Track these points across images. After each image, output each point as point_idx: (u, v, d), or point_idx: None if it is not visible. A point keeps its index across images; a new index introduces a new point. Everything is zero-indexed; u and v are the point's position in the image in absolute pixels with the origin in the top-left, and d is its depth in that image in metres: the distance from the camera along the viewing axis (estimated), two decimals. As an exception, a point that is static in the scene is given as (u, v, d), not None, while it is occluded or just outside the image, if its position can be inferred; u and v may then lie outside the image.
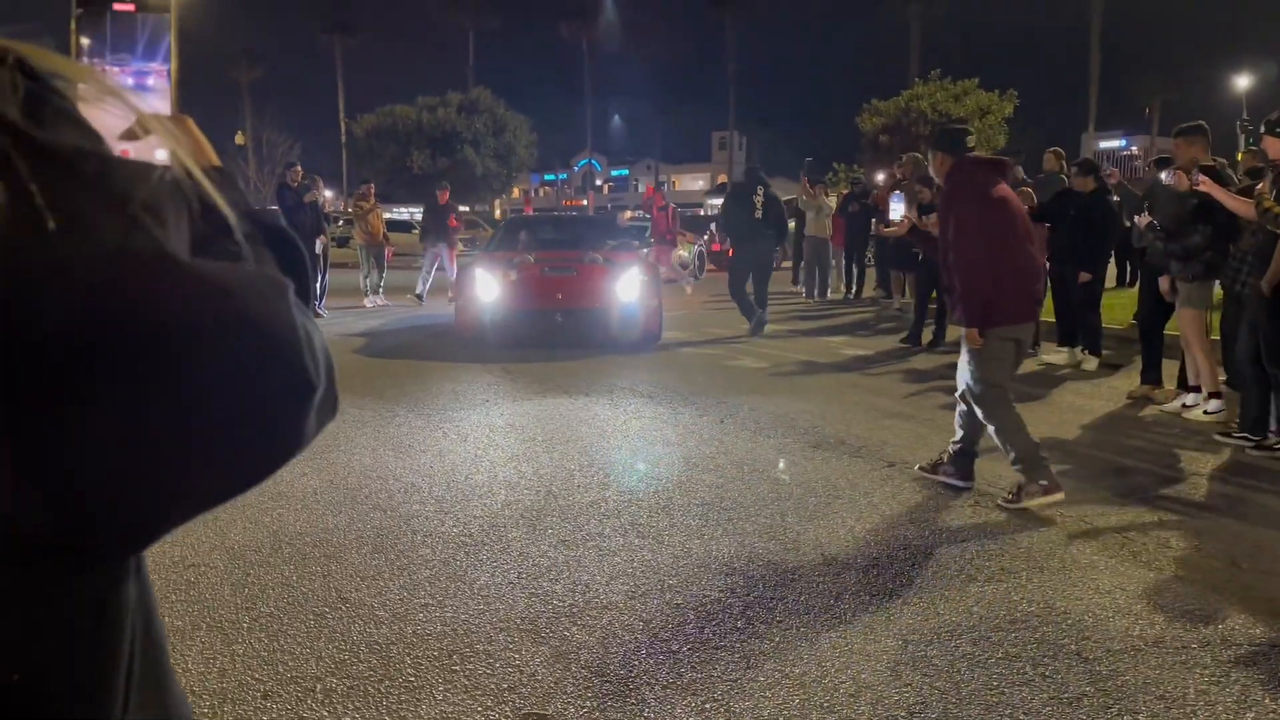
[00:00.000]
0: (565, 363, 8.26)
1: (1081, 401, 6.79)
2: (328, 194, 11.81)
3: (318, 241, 11.40)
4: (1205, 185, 5.74)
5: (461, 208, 40.63)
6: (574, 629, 3.03)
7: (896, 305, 12.21)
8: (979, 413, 4.39)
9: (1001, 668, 2.79)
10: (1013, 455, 4.29)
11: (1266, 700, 2.60)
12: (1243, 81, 45.21)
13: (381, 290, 13.52)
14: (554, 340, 9.00)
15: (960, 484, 4.54)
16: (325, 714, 2.51)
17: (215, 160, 0.88)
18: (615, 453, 5.22)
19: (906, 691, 2.65)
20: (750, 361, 8.57)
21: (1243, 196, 5.47)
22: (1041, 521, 4.10)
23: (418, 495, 4.41)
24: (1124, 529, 4.02)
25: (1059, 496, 4.19)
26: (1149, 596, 3.32)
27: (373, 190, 13.29)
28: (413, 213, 36.21)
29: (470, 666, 2.77)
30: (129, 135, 0.91)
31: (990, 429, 4.38)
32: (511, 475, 4.77)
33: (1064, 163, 10.36)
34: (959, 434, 4.55)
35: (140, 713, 0.68)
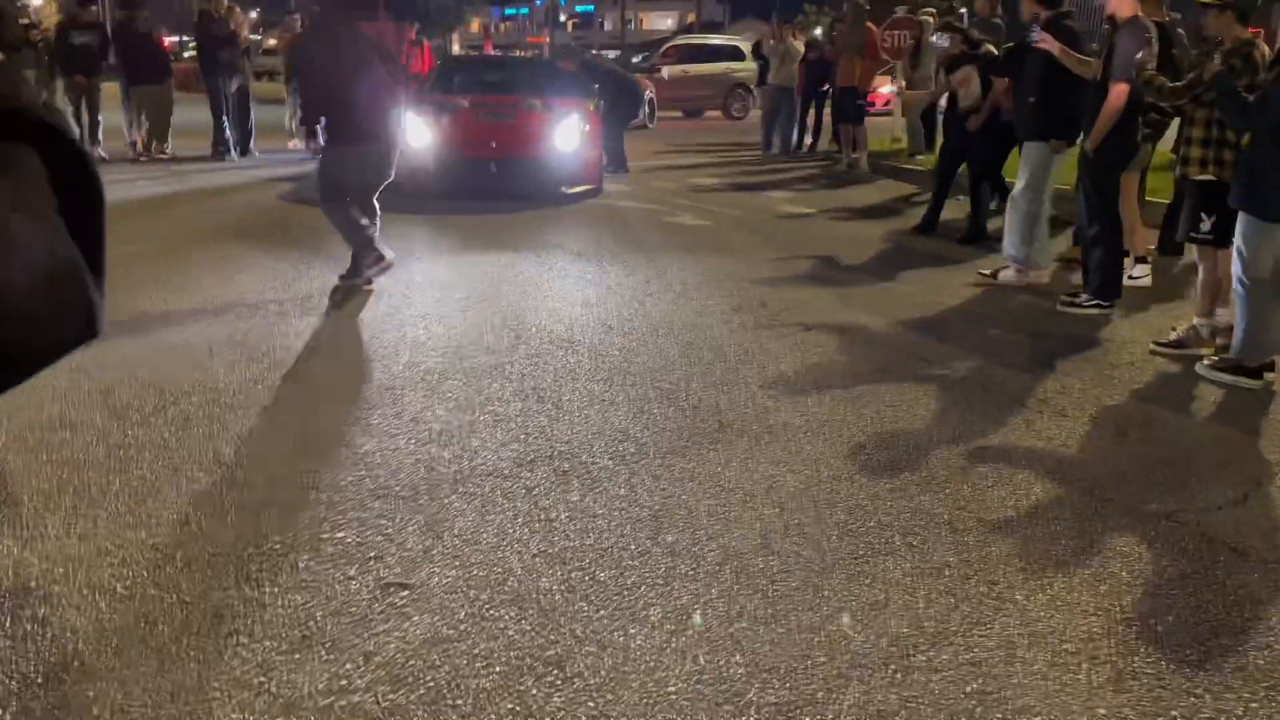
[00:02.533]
0: (498, 215, 8.04)
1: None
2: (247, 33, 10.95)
3: (234, 80, 10.81)
4: (1044, 42, 5.44)
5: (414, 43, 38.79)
6: (453, 497, 3.00)
7: (846, 161, 11.97)
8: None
9: (871, 537, 2.82)
10: (352, 248, 5.34)
11: (1123, 574, 2.66)
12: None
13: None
14: (488, 191, 8.72)
15: (383, 266, 5.42)
16: (181, 581, 2.48)
17: None
18: (532, 314, 5.12)
19: (772, 560, 2.67)
20: (689, 219, 8.39)
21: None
22: (944, 390, 4.11)
23: (318, 355, 4.31)
24: (1022, 396, 4.04)
25: (387, 263, 5.40)
26: (1032, 466, 3.36)
27: (298, 22, 12.36)
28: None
29: (340, 535, 2.74)
30: None
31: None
32: (420, 335, 4.67)
33: (998, 5, 9.92)
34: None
35: None
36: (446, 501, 2.97)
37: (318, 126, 5.31)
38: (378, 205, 5.48)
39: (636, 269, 6.25)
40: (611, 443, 3.46)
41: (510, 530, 2.80)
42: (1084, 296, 5.38)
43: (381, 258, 5.41)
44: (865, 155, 11.75)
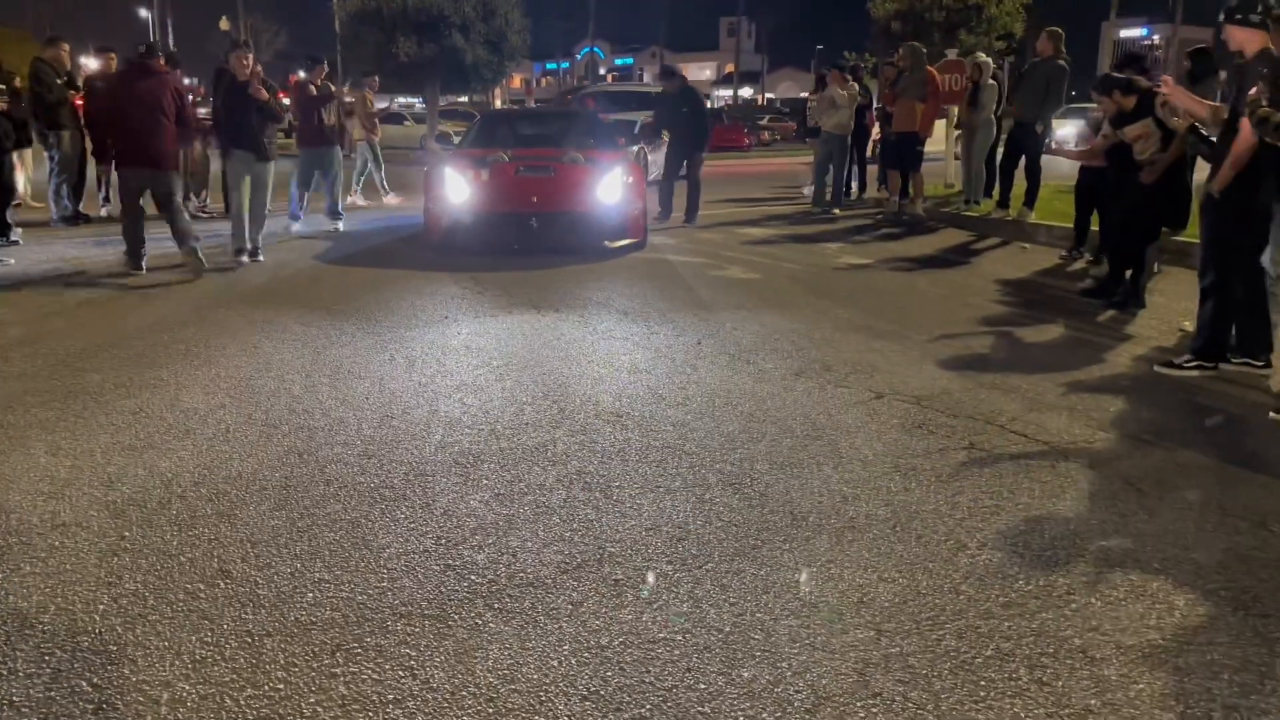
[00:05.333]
0: (540, 271, 7.69)
1: (1121, 327, 6.25)
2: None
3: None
4: (1168, 88, 5.07)
5: (460, 99, 38.96)
6: (488, 614, 2.57)
7: (896, 208, 11.51)
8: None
9: (991, 670, 2.33)
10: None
11: (1311, 721, 2.14)
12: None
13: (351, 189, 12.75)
14: (529, 246, 8.40)
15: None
16: (165, 736, 2.07)
17: None
18: (575, 383, 4.71)
19: (875, 705, 2.19)
20: (739, 271, 7.98)
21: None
22: (1042, 471, 3.61)
23: (343, 434, 3.92)
24: (1135, 477, 3.53)
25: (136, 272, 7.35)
26: (1166, 570, 2.85)
27: (376, 81, 12.37)
28: (402, 103, 34.76)
29: (354, 669, 2.31)
30: None
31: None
32: (454, 409, 4.27)
33: (1061, 46, 9.46)
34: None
35: None
36: (480, 622, 2.53)
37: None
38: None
39: (687, 329, 5.83)
40: (669, 541, 3.01)
41: (554, 662, 2.36)
42: (1185, 357, 4.85)
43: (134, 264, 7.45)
44: (921, 201, 11.31)
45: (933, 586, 2.73)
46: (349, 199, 12.44)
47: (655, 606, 2.62)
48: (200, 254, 7.38)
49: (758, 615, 2.57)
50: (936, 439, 3.93)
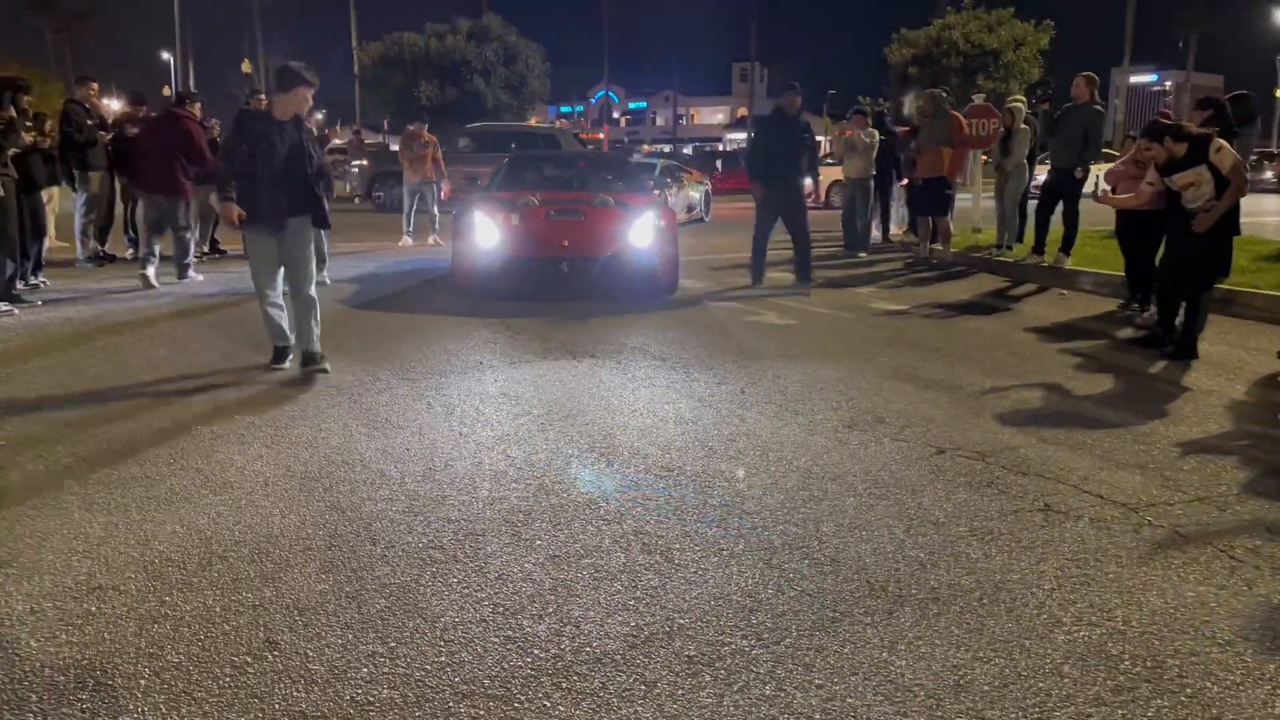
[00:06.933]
0: (572, 318, 7.56)
1: (1178, 378, 6.05)
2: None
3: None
4: None
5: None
6: (556, 694, 2.38)
7: (925, 252, 11.38)
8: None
9: (1112, 767, 2.13)
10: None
11: None
12: (1286, 14, 43.39)
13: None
14: (560, 292, 8.27)
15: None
16: (217, 837, 1.88)
17: None
18: (621, 434, 4.54)
19: (992, 808, 1.99)
20: (774, 317, 7.84)
21: None
22: (1125, 536, 3.41)
23: (386, 488, 3.76)
24: (1229, 547, 3.32)
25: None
26: (1275, 648, 2.64)
27: (425, 128, 13.15)
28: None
29: (418, 758, 2.12)
30: None
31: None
32: (499, 462, 4.11)
33: (1095, 91, 9.36)
34: None
35: None
36: (549, 703, 2.34)
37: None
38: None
39: (728, 376, 5.67)
40: (741, 613, 2.82)
41: (635, 751, 2.16)
42: None
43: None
44: (949, 246, 11.19)
45: (1032, 668, 2.53)
46: (431, 239, 13.08)
47: (736, 689, 2.42)
48: (191, 272, 9.24)
49: (849, 700, 2.38)
50: (1009, 499, 3.74)
